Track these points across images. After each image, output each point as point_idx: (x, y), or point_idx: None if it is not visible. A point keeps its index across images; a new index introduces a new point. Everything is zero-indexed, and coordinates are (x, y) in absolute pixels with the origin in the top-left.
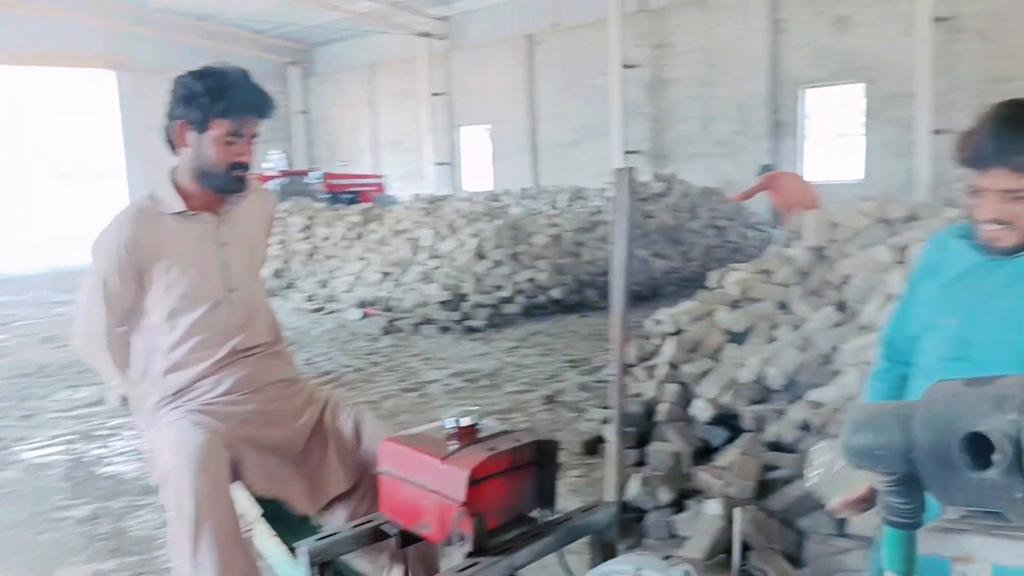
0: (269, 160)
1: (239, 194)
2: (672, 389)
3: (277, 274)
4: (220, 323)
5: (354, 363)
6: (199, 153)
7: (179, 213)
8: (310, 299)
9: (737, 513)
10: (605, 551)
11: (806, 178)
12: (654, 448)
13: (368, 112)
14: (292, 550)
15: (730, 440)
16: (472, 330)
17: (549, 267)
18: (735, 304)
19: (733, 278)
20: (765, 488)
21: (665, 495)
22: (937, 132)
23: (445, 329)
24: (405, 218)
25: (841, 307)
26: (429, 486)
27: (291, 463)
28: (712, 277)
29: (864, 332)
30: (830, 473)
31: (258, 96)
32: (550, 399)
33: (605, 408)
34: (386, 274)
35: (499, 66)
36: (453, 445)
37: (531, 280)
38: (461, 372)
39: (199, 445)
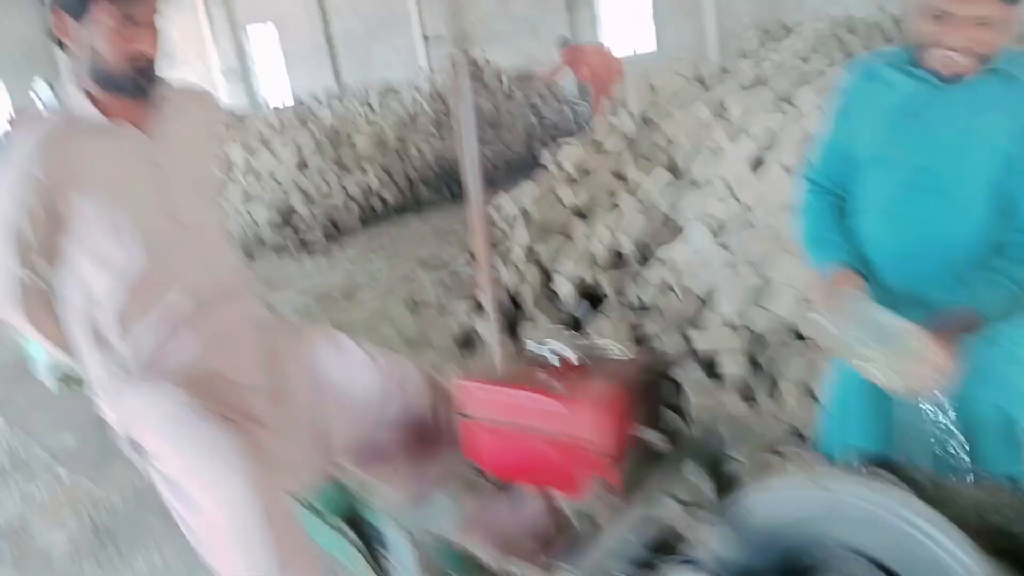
0: (34, 92)
1: (168, 102)
2: (531, 272)
3: None
4: (172, 268)
5: None
6: (89, 48)
7: (94, 128)
8: None
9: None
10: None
11: (608, 49)
12: (526, 331)
13: None
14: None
15: (594, 310)
16: (309, 246)
17: (376, 169)
18: (572, 180)
19: (566, 154)
20: (638, 343)
21: None
22: None
23: (281, 249)
24: None
25: (672, 167)
26: (549, 431)
27: (297, 435)
28: (546, 156)
29: (697, 187)
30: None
31: None
32: (413, 302)
33: (469, 300)
34: None
35: None
36: (561, 379)
37: (360, 185)
38: (309, 290)
39: (235, 448)
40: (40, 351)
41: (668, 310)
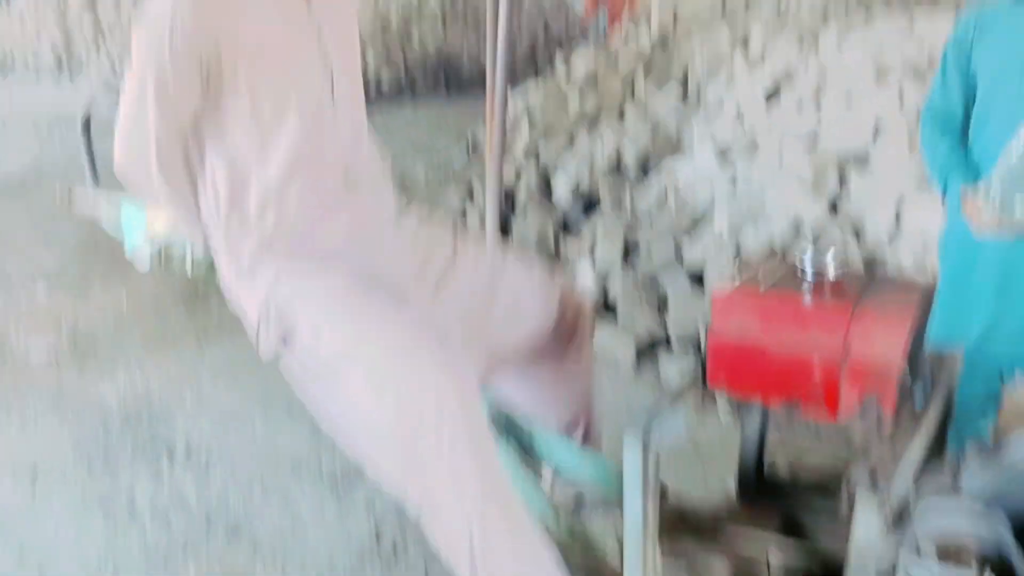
0: None
1: None
2: (530, 169)
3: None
4: (324, 142)
5: None
6: None
7: None
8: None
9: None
10: None
11: None
12: (518, 225)
13: None
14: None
15: (585, 214)
16: None
17: (377, 48)
18: (581, 86)
19: (578, 60)
20: (628, 252)
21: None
22: None
23: None
24: None
25: (684, 87)
26: (826, 345)
27: (455, 329)
28: (562, 63)
29: (707, 109)
30: None
31: None
32: (403, 184)
33: (462, 186)
34: None
35: None
36: (840, 293)
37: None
38: None
39: (405, 327)
40: (135, 220)
41: (662, 220)
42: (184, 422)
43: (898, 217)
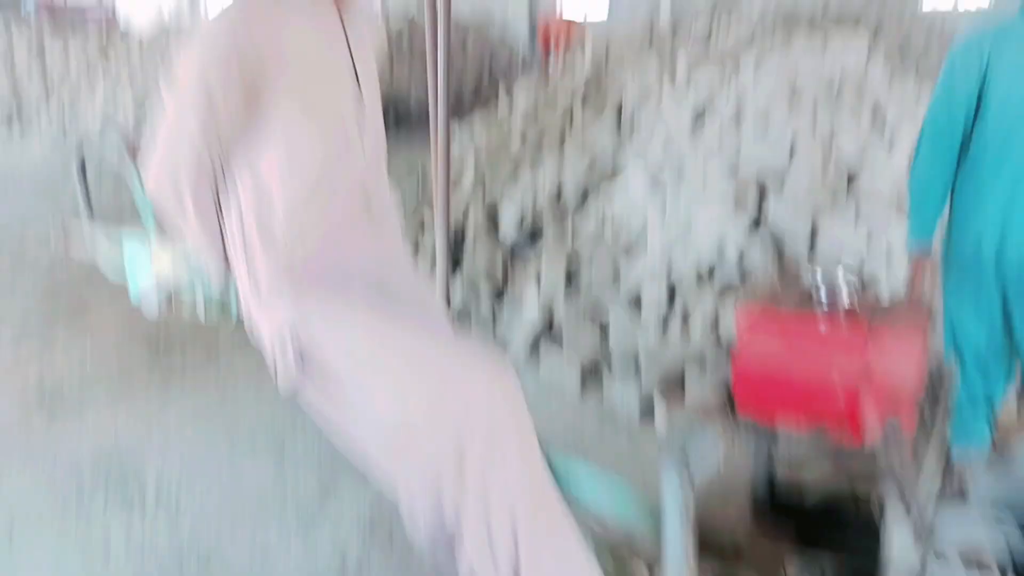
0: None
1: None
2: (478, 203)
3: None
4: (350, 167)
5: None
6: None
7: (302, 2)
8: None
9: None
10: None
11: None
12: (467, 258)
13: None
14: None
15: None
16: None
17: None
18: (523, 117)
19: (521, 95)
20: (571, 279)
21: (486, 294)
22: None
23: None
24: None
25: (619, 114)
26: (850, 366)
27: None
28: (501, 95)
29: (639, 134)
30: None
31: None
32: None
33: (412, 216)
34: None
35: None
36: (856, 317)
37: None
38: None
39: (428, 349)
40: (139, 260)
41: (600, 247)
42: (154, 464)
43: (814, 232)
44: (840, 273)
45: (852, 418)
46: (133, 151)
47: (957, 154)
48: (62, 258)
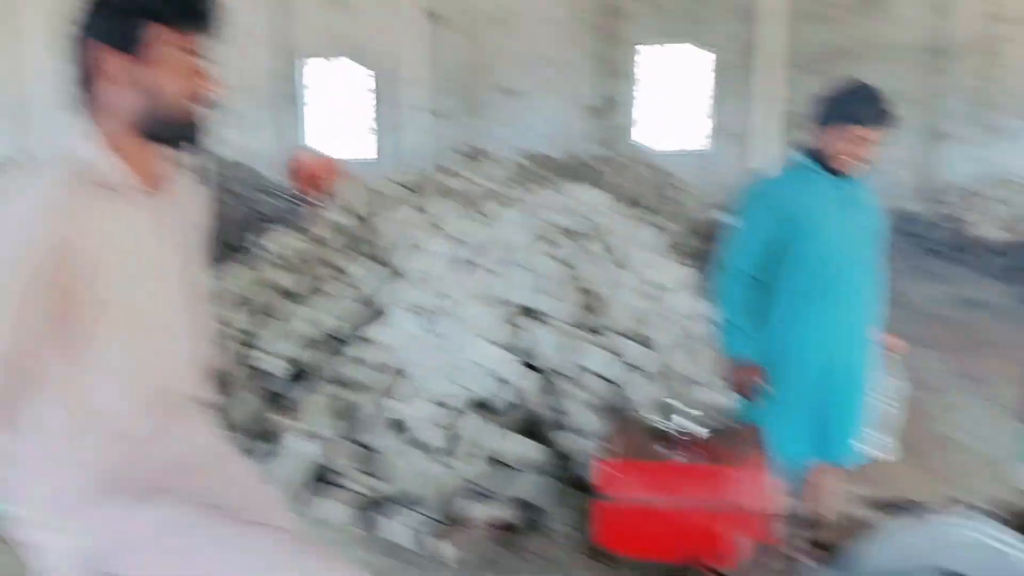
0: None
1: (182, 168)
2: (241, 350)
3: None
4: (170, 359)
5: None
6: (142, 88)
7: (110, 186)
8: None
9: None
10: None
11: (323, 152)
12: (232, 409)
13: None
14: None
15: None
16: None
17: None
18: (283, 265)
19: (276, 240)
20: (342, 418)
21: (246, 443)
22: (433, 113)
23: None
24: None
25: (379, 260)
26: (713, 501)
27: None
28: (264, 242)
29: (399, 277)
30: None
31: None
32: None
33: None
34: None
35: None
36: (692, 451)
37: None
38: None
39: (274, 547)
40: None
41: (367, 384)
42: None
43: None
44: (682, 413)
45: (723, 546)
46: None
47: (751, 281)
48: None
